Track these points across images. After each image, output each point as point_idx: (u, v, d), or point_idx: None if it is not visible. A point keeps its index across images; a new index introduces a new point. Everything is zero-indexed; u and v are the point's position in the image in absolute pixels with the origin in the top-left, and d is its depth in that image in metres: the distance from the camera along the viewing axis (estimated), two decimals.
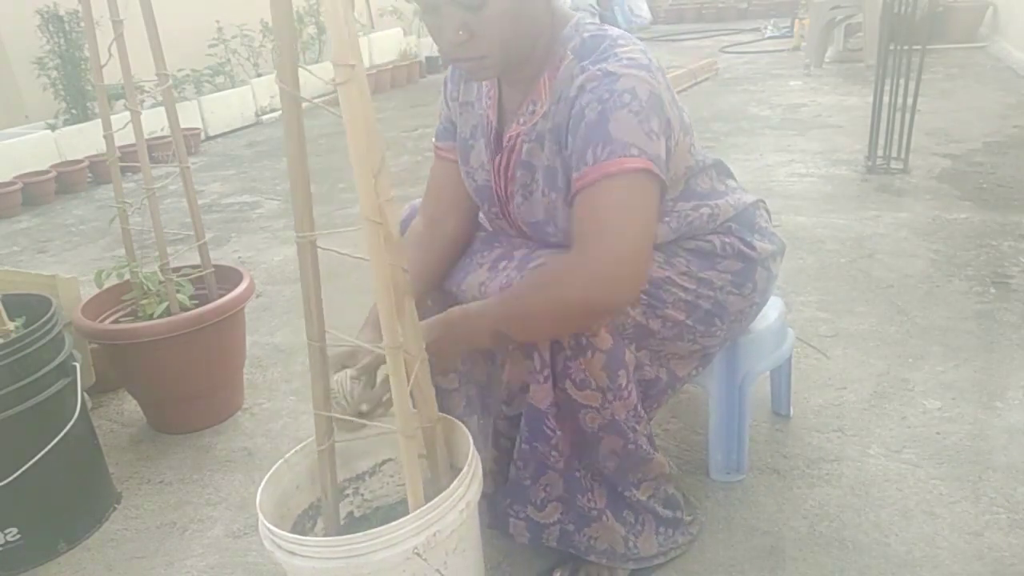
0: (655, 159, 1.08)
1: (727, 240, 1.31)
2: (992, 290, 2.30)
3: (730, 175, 1.42)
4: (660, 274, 1.25)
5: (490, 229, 1.42)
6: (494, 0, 1.05)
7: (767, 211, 1.46)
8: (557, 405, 1.20)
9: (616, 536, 1.30)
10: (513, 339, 1.16)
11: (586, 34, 1.17)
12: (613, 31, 1.18)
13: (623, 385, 1.22)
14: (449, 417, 1.19)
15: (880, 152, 3.52)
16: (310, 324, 0.99)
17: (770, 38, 8.37)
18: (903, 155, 3.47)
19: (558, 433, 1.22)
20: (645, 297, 1.23)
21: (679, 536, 1.38)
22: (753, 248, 1.33)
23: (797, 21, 7.61)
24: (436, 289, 1.37)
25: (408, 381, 0.98)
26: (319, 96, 5.64)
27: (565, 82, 1.16)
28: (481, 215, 1.43)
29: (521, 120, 1.23)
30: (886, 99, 3.40)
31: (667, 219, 1.26)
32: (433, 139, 1.42)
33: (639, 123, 1.08)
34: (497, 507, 1.39)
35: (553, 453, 1.24)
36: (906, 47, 3.29)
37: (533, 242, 1.30)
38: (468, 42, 1.08)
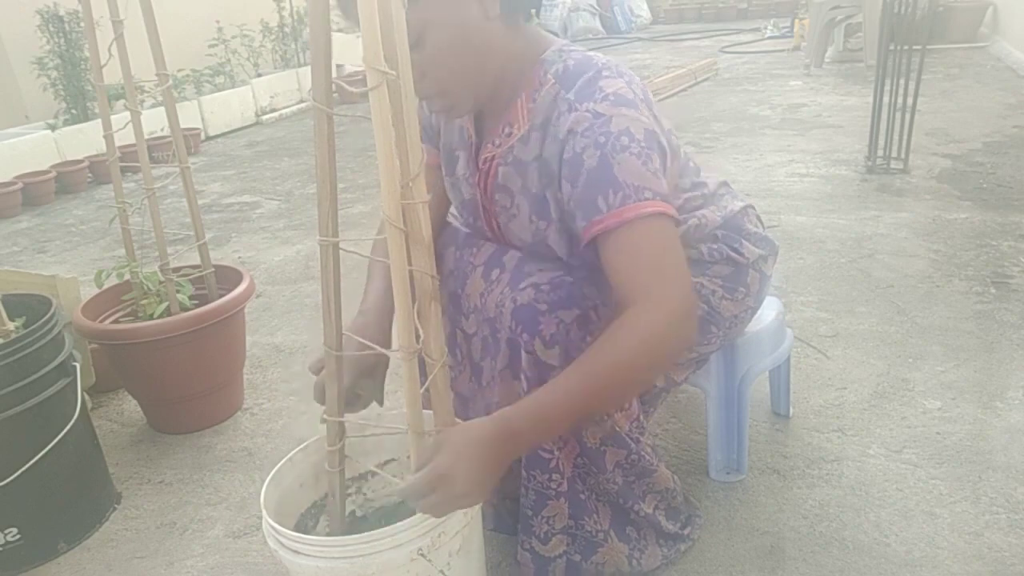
0: (665, 198, 1.07)
1: (714, 247, 1.31)
2: (992, 290, 2.30)
3: (722, 182, 1.41)
4: None
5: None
6: (429, 36, 1.03)
7: (758, 216, 1.45)
8: None
9: (620, 556, 1.30)
10: (595, 416, 1.11)
11: (571, 61, 1.14)
12: (599, 58, 1.14)
13: None
14: (460, 421, 1.19)
15: (880, 152, 3.52)
16: (328, 328, 0.99)
17: (770, 38, 8.38)
18: (903, 155, 3.47)
19: (557, 454, 1.20)
20: None
21: (680, 544, 1.38)
22: (741, 253, 1.33)
23: (797, 21, 7.62)
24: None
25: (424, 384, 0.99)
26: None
27: (547, 107, 1.13)
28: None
29: (496, 142, 1.20)
30: (886, 99, 3.41)
31: None
32: None
33: (643, 164, 1.04)
34: (504, 521, 1.39)
35: (554, 477, 1.21)
36: (906, 47, 3.29)
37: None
38: (422, 81, 1.07)
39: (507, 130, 1.18)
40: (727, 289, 1.32)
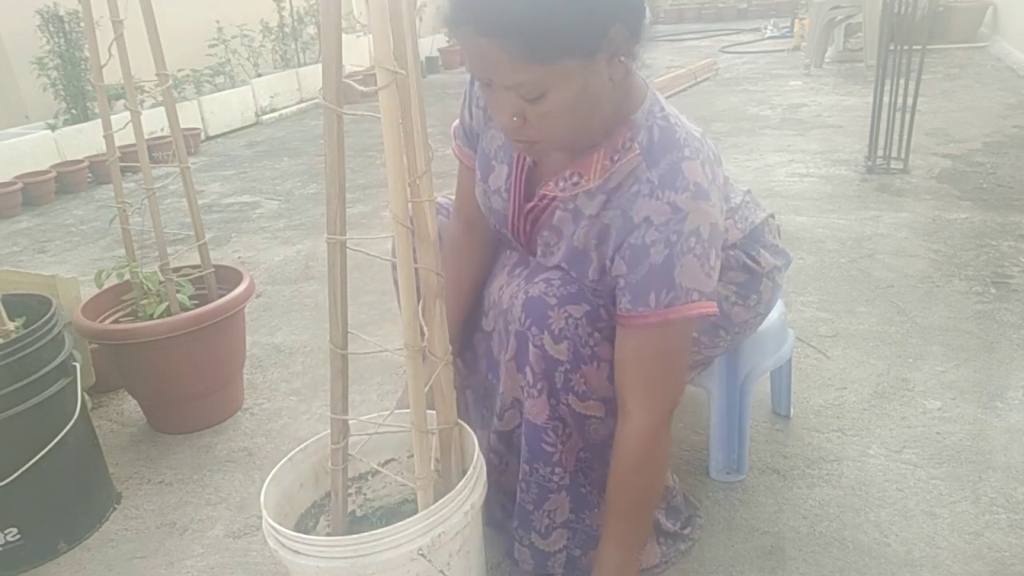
0: (711, 295, 1.10)
1: (731, 253, 1.31)
2: (992, 290, 2.30)
3: (746, 191, 1.41)
4: None
5: None
6: (553, 94, 0.99)
7: (777, 228, 1.45)
8: (559, 419, 1.19)
9: None
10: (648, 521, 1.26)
11: (656, 130, 1.11)
12: (680, 130, 1.12)
13: None
14: (461, 421, 1.19)
15: (880, 152, 3.52)
16: (334, 327, 0.99)
17: (770, 38, 8.39)
18: (903, 155, 3.47)
19: (559, 447, 1.20)
20: None
21: (680, 543, 1.38)
22: (758, 262, 1.34)
23: (797, 21, 7.63)
24: (480, 290, 1.37)
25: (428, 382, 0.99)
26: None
27: (624, 176, 1.11)
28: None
29: (560, 184, 1.16)
30: (886, 99, 3.41)
31: None
32: (453, 137, 1.36)
33: (701, 266, 1.07)
34: (494, 517, 1.39)
35: (556, 471, 1.22)
36: (906, 47, 3.30)
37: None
38: (521, 127, 1.04)
39: (575, 178, 1.15)
40: (740, 295, 1.32)
